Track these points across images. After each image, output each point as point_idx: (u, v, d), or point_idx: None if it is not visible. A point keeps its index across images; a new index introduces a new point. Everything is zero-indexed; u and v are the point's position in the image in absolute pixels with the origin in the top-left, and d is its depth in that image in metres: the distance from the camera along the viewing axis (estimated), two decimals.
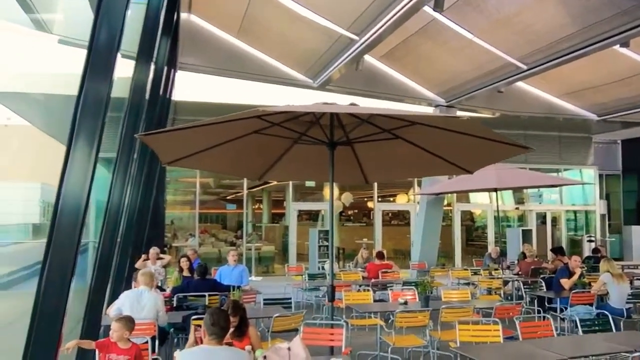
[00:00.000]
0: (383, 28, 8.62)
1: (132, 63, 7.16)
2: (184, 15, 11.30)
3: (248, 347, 4.26)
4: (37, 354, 2.93)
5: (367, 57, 11.46)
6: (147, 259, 9.90)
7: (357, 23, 9.38)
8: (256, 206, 24.03)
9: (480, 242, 19.74)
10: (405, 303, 7.37)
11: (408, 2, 7.79)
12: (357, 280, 10.63)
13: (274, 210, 22.96)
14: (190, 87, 14.11)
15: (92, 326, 4.98)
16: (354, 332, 8.23)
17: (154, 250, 10.01)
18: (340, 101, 6.03)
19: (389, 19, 8.34)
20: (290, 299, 7.54)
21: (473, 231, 20.71)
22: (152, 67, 7.98)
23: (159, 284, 8.78)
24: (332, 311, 5.64)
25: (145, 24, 5.84)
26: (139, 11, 7.42)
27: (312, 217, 20.15)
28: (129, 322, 4.33)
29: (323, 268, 11.95)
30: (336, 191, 18.57)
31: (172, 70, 10.93)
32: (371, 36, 9.12)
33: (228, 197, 20.90)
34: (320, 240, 15.25)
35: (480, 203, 19.80)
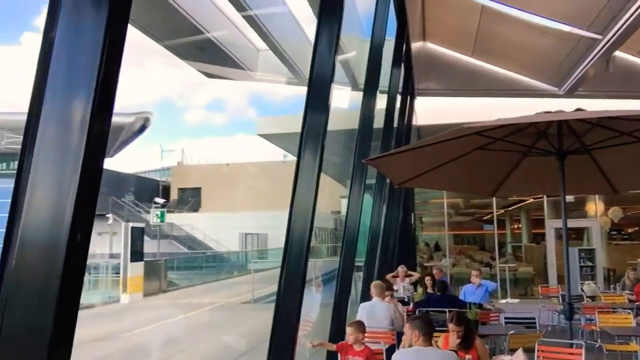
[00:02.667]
0: (629, 22, 7.76)
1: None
2: (418, 44, 11.89)
3: (468, 357, 4.37)
4: (278, 349, 3.59)
5: (620, 54, 10.32)
6: (396, 276, 10.59)
7: (598, 21, 8.61)
8: (515, 225, 23.11)
9: None
10: None
11: None
12: (622, 303, 9.46)
13: (535, 229, 21.75)
14: (433, 110, 14.63)
15: (337, 333, 5.66)
16: (609, 357, 7.38)
17: (401, 269, 10.64)
18: (591, 107, 5.68)
19: (635, 11, 7.48)
20: (534, 319, 7.21)
21: None
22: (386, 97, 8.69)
23: (406, 299, 9.28)
24: (571, 331, 5.29)
25: (370, 59, 6.51)
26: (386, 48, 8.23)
27: (578, 235, 18.46)
28: (360, 326, 4.86)
29: (582, 290, 10.95)
30: (601, 206, 16.72)
31: (409, 98, 11.55)
32: (616, 33, 8.27)
33: (484, 218, 20.61)
34: (582, 260, 13.92)
35: None
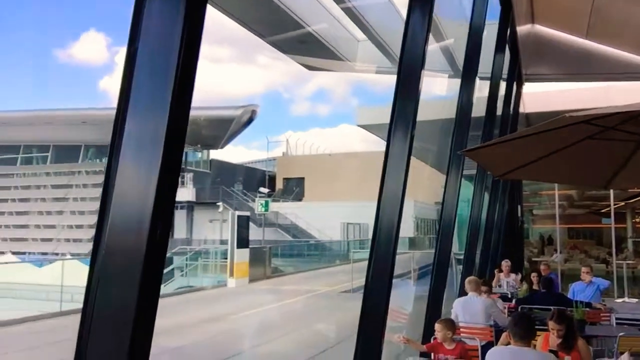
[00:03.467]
0: None
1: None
2: (526, 27, 11.24)
3: (567, 358, 4.11)
4: (366, 341, 3.61)
5: None
6: (501, 271, 10.16)
7: None
8: (636, 219, 21.31)
9: None
10: None
11: None
12: None
13: None
14: (543, 96, 13.79)
15: (432, 328, 5.57)
16: None
17: (505, 263, 10.19)
18: None
19: None
20: None
21: None
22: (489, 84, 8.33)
23: (509, 296, 8.90)
24: None
25: (468, 43, 6.27)
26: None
27: None
28: (448, 323, 4.73)
29: None
30: None
31: (515, 84, 10.98)
32: None
33: (602, 211, 19.20)
34: None
35: None
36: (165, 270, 20.02)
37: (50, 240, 40.71)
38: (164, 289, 21.05)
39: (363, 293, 3.58)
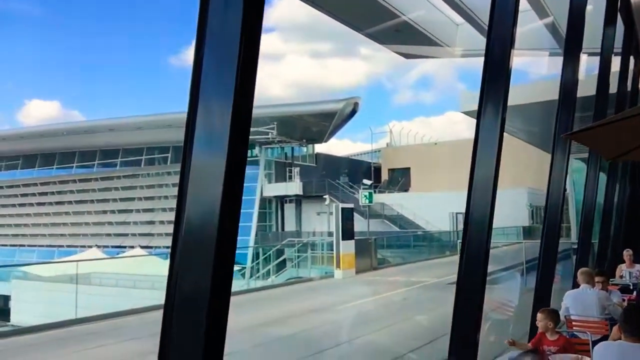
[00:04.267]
0: None
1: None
2: None
3: None
4: (460, 337, 3.54)
5: None
6: (624, 261, 9.41)
7: None
8: None
9: None
10: None
11: None
12: None
13: None
14: None
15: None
16: None
17: (627, 253, 9.41)
18: None
19: None
20: None
21: None
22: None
23: (631, 287, 8.20)
24: None
25: (569, 18, 5.84)
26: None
27: None
28: (551, 313, 4.49)
29: None
30: None
31: (632, 58, 10.01)
32: None
33: None
34: None
35: None
36: (277, 261, 20.84)
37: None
38: (276, 279, 21.95)
39: (456, 286, 3.52)
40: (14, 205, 51.27)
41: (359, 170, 46.88)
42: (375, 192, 41.62)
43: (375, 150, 53.69)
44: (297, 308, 11.29)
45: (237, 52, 1.50)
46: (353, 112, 41.99)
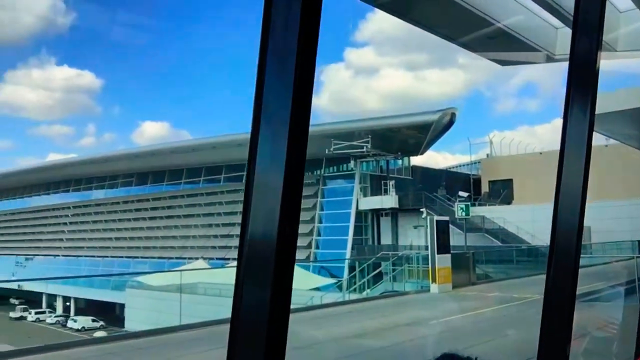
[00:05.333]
0: None
1: None
2: None
3: None
4: (548, 345, 3.36)
5: None
6: None
7: None
8: None
9: None
10: None
11: None
12: None
13: None
14: None
15: None
16: None
17: None
18: None
19: None
20: None
21: None
22: None
23: None
24: None
25: None
26: None
27: None
28: None
29: None
30: None
31: None
32: None
33: None
34: None
35: None
36: (372, 275, 20.78)
37: None
38: (371, 292, 21.91)
39: (543, 305, 3.34)
40: (129, 220, 55.49)
41: (457, 183, 45.66)
42: (474, 204, 40.31)
43: (475, 162, 52.08)
44: (391, 321, 11.21)
45: (293, 69, 1.60)
46: (450, 123, 41.12)
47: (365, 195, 42.23)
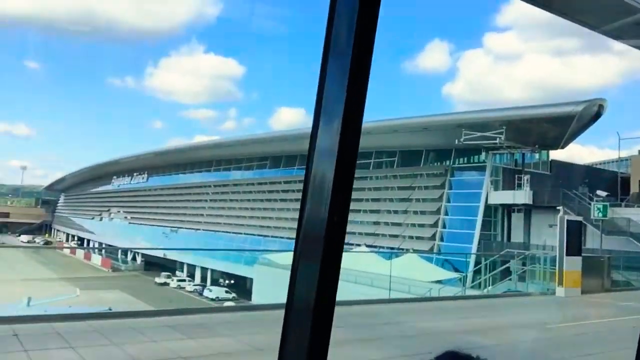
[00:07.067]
0: None
1: None
2: None
3: None
4: None
5: None
6: None
7: None
8: None
9: None
10: None
11: None
12: None
13: None
14: None
15: None
16: None
17: None
18: None
19: None
20: None
21: None
22: None
23: None
24: None
25: None
26: None
27: None
28: None
29: None
30: None
31: None
32: None
33: None
34: None
35: None
36: (494, 272, 19.94)
37: (396, 236, 45.19)
38: (492, 290, 21.10)
39: None
40: (261, 200, 58.73)
41: (602, 181, 41.86)
42: (620, 205, 36.73)
43: (624, 159, 47.35)
44: (506, 321, 10.81)
45: (349, 63, 1.73)
46: (597, 116, 37.63)
47: (496, 189, 40.38)
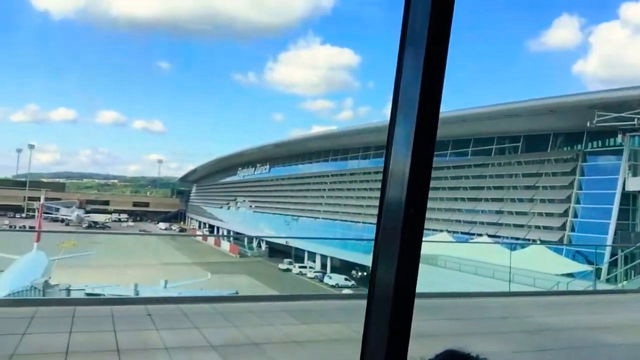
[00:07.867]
0: None
1: None
2: None
3: None
4: None
5: None
6: None
7: None
8: None
9: None
10: None
11: None
12: None
13: None
14: None
15: None
16: None
17: None
18: None
19: None
20: None
21: None
22: None
23: None
24: None
25: None
26: None
27: None
28: None
29: None
30: None
31: None
32: None
33: None
34: None
35: None
36: (630, 265, 18.26)
37: (522, 226, 42.89)
38: (628, 284, 19.30)
39: None
40: (378, 189, 58.56)
41: None
42: None
43: None
44: (634, 318, 9.83)
45: (424, 52, 1.72)
46: None
47: (634, 175, 36.68)
